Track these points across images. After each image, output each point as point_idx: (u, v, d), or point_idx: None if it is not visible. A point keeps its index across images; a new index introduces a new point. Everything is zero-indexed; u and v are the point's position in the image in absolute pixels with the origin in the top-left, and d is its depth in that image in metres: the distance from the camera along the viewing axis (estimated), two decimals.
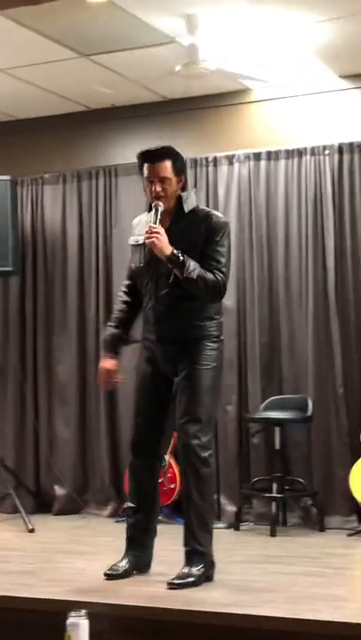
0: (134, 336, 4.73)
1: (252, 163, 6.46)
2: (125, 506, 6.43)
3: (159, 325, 4.47)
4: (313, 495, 6.03)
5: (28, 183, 7.13)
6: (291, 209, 6.37)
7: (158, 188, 4.38)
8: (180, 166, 4.45)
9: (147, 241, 4.29)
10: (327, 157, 6.24)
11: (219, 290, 4.37)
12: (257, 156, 6.46)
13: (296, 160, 6.35)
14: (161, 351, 4.50)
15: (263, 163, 6.44)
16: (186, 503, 4.37)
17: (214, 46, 5.60)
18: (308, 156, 6.30)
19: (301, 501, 6.19)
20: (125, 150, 6.90)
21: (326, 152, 6.25)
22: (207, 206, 6.46)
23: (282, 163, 6.40)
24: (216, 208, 6.49)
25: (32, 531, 5.98)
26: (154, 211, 4.37)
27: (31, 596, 4.09)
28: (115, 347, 4.65)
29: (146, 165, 4.43)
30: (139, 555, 4.52)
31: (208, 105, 6.63)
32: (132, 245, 4.59)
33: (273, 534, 5.76)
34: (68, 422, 6.88)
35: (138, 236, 4.54)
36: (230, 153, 6.53)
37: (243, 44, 5.67)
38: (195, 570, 4.29)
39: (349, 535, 5.73)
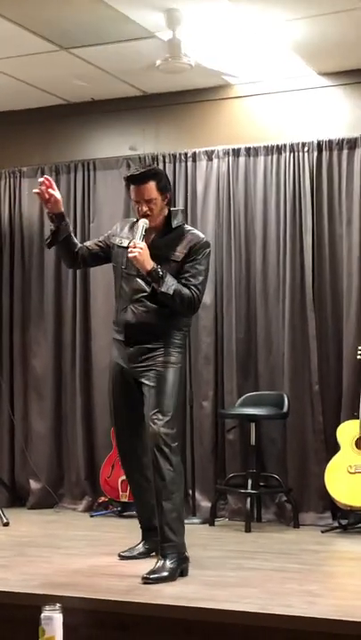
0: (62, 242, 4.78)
1: (231, 159, 6.46)
2: (100, 500, 6.51)
3: (128, 328, 4.68)
4: (288, 491, 6.05)
5: (5, 176, 7.09)
6: (269, 205, 6.38)
7: (145, 209, 4.63)
8: (164, 185, 4.68)
9: (129, 255, 4.49)
10: (306, 154, 6.26)
11: (193, 305, 4.59)
12: (236, 152, 6.46)
13: (275, 156, 6.36)
14: (127, 353, 4.70)
15: (242, 159, 6.44)
16: (157, 493, 4.46)
17: (195, 41, 5.59)
18: (287, 153, 6.31)
19: (276, 498, 6.21)
20: (104, 144, 6.90)
21: (305, 149, 6.26)
22: (186, 202, 6.52)
23: (261, 159, 6.40)
24: (194, 204, 6.52)
25: (7, 524, 5.97)
26: (140, 228, 4.56)
27: (5, 590, 4.08)
28: (63, 221, 4.75)
29: (132, 188, 4.67)
30: (156, 539, 4.58)
31: (188, 100, 6.63)
32: (117, 246, 4.81)
33: (248, 530, 5.77)
34: (43, 416, 6.87)
35: (123, 239, 4.76)
36: (209, 148, 6.53)
37: (223, 40, 5.67)
38: (169, 564, 4.36)
39: (324, 532, 5.74)
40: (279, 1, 5.10)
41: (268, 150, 6.38)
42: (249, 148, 6.43)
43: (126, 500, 6.31)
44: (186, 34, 5.46)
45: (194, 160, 6.58)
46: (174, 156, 6.60)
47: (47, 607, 3.44)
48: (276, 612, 3.67)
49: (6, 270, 7.02)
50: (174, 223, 4.70)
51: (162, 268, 4.51)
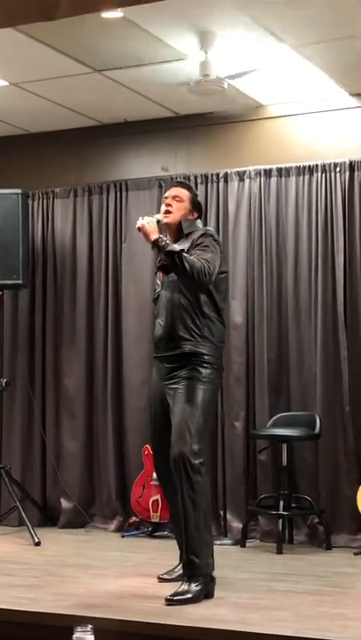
0: None
1: (262, 179, 6.47)
2: (131, 520, 6.49)
3: (158, 341, 4.77)
4: (320, 513, 6.01)
5: (39, 196, 7.14)
6: (301, 226, 6.37)
7: (169, 202, 4.79)
8: (196, 202, 4.90)
9: (136, 226, 4.64)
10: (338, 174, 6.25)
11: (203, 273, 4.54)
12: (268, 173, 6.46)
13: (307, 177, 6.36)
14: (162, 368, 4.75)
15: (274, 179, 6.45)
16: (181, 513, 4.48)
17: (227, 63, 5.62)
18: (318, 173, 6.30)
19: (308, 519, 6.17)
20: (136, 165, 6.94)
21: (337, 169, 6.25)
22: (217, 222, 6.54)
23: (292, 179, 6.40)
24: (226, 224, 6.53)
25: (38, 544, 5.98)
26: (154, 216, 4.74)
27: (37, 610, 4.09)
28: None
29: (168, 189, 4.92)
30: None
31: (220, 121, 6.65)
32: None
33: (279, 552, 5.74)
34: (75, 435, 6.88)
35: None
36: (241, 169, 6.54)
37: (255, 62, 5.69)
38: (193, 586, 4.37)
39: (356, 554, 5.70)
40: (311, 23, 5.11)
41: (300, 171, 6.38)
42: (281, 169, 6.44)
43: (157, 520, 6.30)
44: (218, 55, 5.49)
45: (225, 181, 6.59)
46: (206, 177, 6.62)
47: (79, 628, 3.43)
48: (309, 636, 3.64)
49: (39, 291, 7.06)
50: (186, 230, 4.79)
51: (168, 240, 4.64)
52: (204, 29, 5.24)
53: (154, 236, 4.57)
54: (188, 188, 4.96)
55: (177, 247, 4.56)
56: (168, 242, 4.59)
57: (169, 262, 4.53)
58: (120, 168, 7.00)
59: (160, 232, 4.66)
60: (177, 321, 4.66)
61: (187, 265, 4.49)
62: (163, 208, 4.83)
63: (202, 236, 4.72)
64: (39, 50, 5.47)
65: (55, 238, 7.09)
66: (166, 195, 4.87)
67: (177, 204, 4.79)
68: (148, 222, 4.60)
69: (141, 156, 6.92)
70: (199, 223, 4.90)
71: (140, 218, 4.66)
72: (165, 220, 4.77)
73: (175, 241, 4.75)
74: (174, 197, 4.80)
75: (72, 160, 7.09)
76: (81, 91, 6.22)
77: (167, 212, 4.78)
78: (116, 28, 5.16)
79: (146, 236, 4.59)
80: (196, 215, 4.86)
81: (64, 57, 5.61)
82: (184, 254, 4.52)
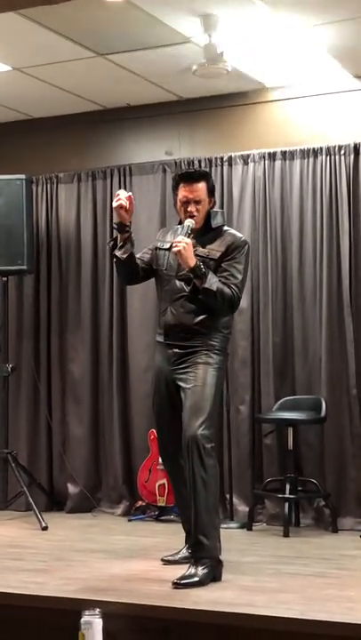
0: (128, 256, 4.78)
1: (267, 162, 6.45)
2: (138, 504, 6.51)
3: (169, 329, 4.73)
4: (326, 496, 6.02)
5: (43, 182, 7.13)
6: (306, 209, 6.35)
7: (192, 209, 4.71)
8: (211, 188, 4.78)
9: (174, 249, 4.57)
10: (343, 157, 6.23)
11: (233, 304, 4.64)
12: (272, 156, 6.45)
13: (311, 160, 6.34)
14: (168, 355, 4.73)
15: (278, 162, 6.43)
16: (191, 495, 4.48)
17: (231, 46, 5.59)
18: (323, 156, 6.28)
19: (314, 502, 6.18)
20: (140, 150, 6.92)
21: (342, 152, 6.23)
22: (222, 206, 6.52)
23: (297, 163, 6.39)
24: (230, 208, 6.51)
25: (45, 528, 6.00)
26: (185, 227, 4.66)
27: (45, 594, 4.11)
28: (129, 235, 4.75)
29: (182, 186, 4.74)
30: None
31: (223, 104, 6.63)
32: (158, 248, 4.86)
33: (286, 535, 5.75)
34: (81, 420, 6.89)
35: (165, 242, 4.82)
36: (245, 152, 6.52)
37: (259, 44, 5.67)
38: (200, 570, 4.38)
39: None
40: (315, 4, 5.09)
41: (305, 154, 6.36)
42: (285, 152, 6.42)
43: (164, 504, 6.32)
44: (222, 38, 5.46)
45: (230, 164, 6.57)
46: (210, 161, 6.60)
47: (87, 612, 3.46)
48: (316, 618, 3.66)
49: (44, 276, 7.05)
50: (214, 224, 4.76)
51: (204, 266, 4.58)
52: (208, 12, 5.21)
53: (193, 263, 4.54)
54: (204, 177, 4.79)
55: (213, 283, 4.54)
56: (204, 269, 4.55)
57: (203, 293, 4.55)
58: (124, 153, 6.98)
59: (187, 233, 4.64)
60: (190, 312, 4.65)
61: (219, 298, 4.56)
62: (183, 209, 4.72)
63: (238, 247, 4.71)
64: (42, 34, 5.45)
65: (59, 223, 7.08)
66: (185, 198, 4.71)
67: (199, 205, 4.70)
68: (185, 244, 4.52)
69: (145, 141, 6.91)
70: (220, 217, 4.83)
71: (176, 242, 4.55)
72: (196, 226, 4.70)
73: (201, 235, 4.71)
74: (196, 202, 4.69)
75: (76, 145, 7.07)
76: (84, 75, 6.20)
77: (193, 216, 4.69)
78: (119, 11, 5.14)
79: (184, 261, 4.55)
80: (213, 200, 4.82)
81: (67, 41, 5.59)
82: (218, 285, 4.53)
